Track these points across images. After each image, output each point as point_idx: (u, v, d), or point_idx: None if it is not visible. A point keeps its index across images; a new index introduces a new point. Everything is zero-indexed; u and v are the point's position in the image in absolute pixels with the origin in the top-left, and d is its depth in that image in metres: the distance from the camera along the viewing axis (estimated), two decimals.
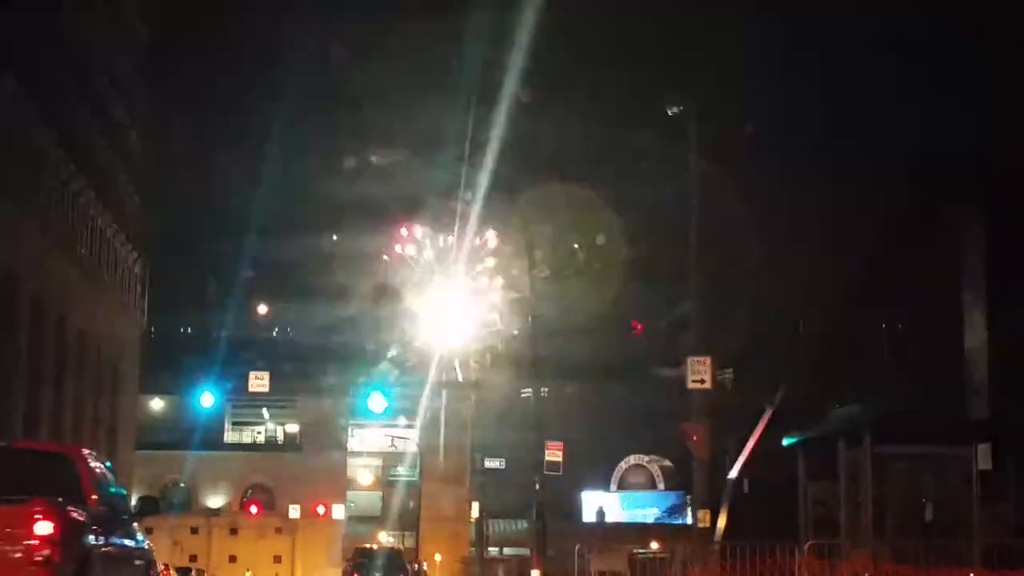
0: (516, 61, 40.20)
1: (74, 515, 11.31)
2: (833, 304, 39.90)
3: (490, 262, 64.77)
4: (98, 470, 12.95)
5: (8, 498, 10.97)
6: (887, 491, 27.86)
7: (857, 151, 37.91)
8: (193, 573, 57.62)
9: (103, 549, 12.06)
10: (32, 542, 10.57)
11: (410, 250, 66.24)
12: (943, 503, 27.85)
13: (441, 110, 49.27)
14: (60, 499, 11.18)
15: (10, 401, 42.03)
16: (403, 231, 65.07)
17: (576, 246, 57.50)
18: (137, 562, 13.66)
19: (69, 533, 10.96)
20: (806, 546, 26.72)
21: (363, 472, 79.74)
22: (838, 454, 28.45)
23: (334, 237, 70.16)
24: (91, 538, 11.68)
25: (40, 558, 10.58)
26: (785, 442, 31.24)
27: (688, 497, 62.57)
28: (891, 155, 36.90)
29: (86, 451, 13.31)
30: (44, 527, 10.66)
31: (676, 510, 77.94)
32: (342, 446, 78.10)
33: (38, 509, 10.79)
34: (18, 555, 10.55)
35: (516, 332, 70.14)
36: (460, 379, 75.75)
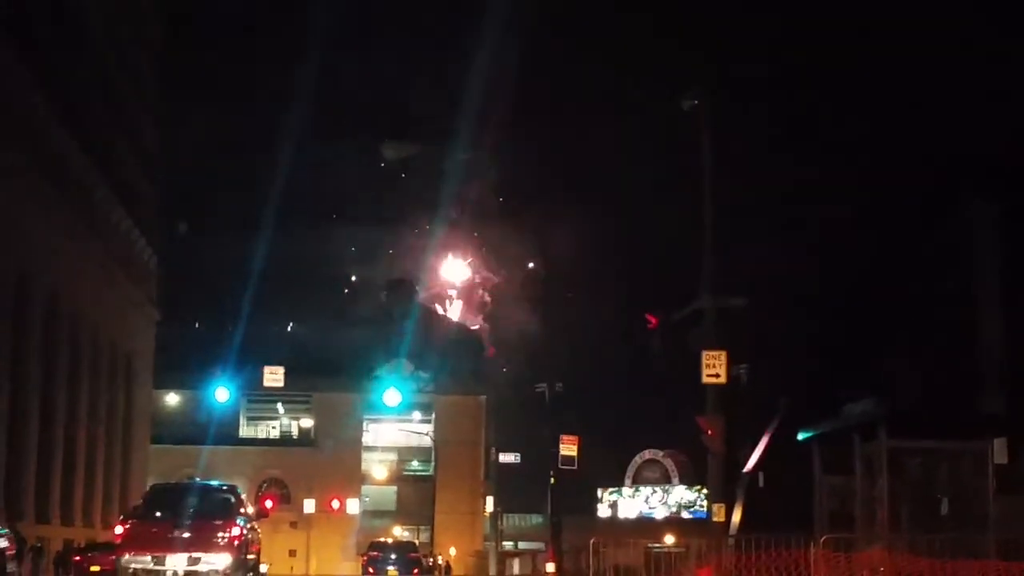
0: None
1: (242, 520, 24.33)
2: (848, 297, 39.78)
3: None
4: (243, 495, 25.93)
5: (217, 516, 23.67)
6: (902, 485, 27.79)
7: (873, 145, 37.81)
8: None
9: (249, 536, 24.79)
10: (228, 535, 23.29)
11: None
12: (959, 497, 27.75)
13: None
14: (235, 515, 24.13)
15: (26, 396, 42.17)
16: None
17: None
18: (255, 544, 26.19)
19: (242, 529, 23.94)
20: (821, 540, 26.64)
21: (378, 467, 79.69)
22: (853, 448, 28.40)
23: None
24: (247, 531, 24.50)
25: (236, 542, 23.38)
26: (800, 436, 31.18)
27: (703, 491, 62.54)
28: (906, 149, 36.78)
29: (236, 485, 27.33)
30: (235, 529, 23.53)
31: (691, 504, 77.88)
32: (357, 441, 78.06)
33: (232, 520, 23.77)
34: (224, 541, 23.22)
35: (531, 327, 70.25)
36: (475, 374, 75.81)
